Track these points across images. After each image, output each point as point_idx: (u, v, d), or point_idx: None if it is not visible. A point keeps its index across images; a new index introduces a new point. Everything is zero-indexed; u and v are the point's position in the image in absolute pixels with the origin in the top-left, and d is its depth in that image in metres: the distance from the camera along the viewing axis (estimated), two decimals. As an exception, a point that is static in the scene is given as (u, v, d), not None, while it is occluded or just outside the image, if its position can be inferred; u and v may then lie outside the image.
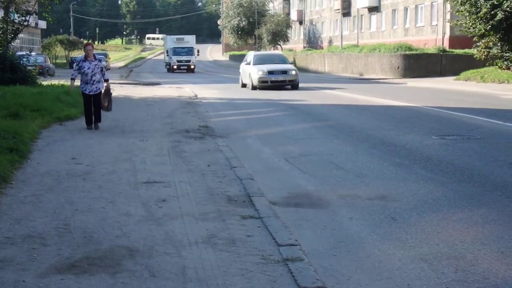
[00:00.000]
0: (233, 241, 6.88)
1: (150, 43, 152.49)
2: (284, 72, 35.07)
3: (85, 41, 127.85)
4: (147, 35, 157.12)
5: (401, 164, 11.82)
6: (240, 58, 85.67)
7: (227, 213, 8.03)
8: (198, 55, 75.76)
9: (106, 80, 17.01)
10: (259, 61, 36.51)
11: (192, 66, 71.71)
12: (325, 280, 5.78)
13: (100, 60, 16.99)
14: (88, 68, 16.36)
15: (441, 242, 7.10)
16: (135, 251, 6.50)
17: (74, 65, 17.22)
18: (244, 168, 11.13)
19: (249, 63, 36.62)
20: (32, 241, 6.84)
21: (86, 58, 16.56)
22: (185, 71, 70.59)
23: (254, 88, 34.71)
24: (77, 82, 17.19)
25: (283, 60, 37.94)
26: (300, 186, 10.15)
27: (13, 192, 9.10)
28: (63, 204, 8.45)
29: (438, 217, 8.18)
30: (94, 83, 16.43)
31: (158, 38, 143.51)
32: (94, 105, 16.55)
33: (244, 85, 37.18)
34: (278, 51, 70.16)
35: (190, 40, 76.70)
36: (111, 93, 17.30)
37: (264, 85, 34.30)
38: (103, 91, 16.74)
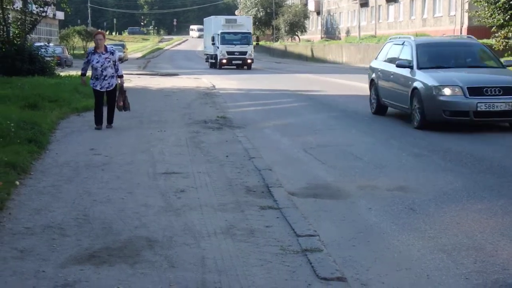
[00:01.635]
0: (252, 231, 6.88)
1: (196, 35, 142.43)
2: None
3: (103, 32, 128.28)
4: (191, 27, 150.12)
5: (420, 154, 11.78)
6: (258, 49, 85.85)
7: (245, 204, 8.03)
8: (257, 44, 60.54)
9: (120, 77, 15.02)
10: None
11: (249, 61, 51.72)
12: (344, 271, 5.77)
13: (112, 53, 14.90)
14: (97, 62, 14.51)
15: (460, 233, 7.08)
16: (154, 242, 6.51)
17: (85, 57, 15.25)
18: (262, 159, 11.12)
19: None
20: (52, 231, 6.87)
21: (96, 50, 14.68)
22: (237, 67, 51.74)
23: None
24: (89, 73, 15.36)
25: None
26: (319, 177, 10.14)
27: (32, 182, 9.14)
28: (82, 194, 8.48)
29: (457, 208, 8.16)
30: (106, 78, 14.59)
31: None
32: (108, 104, 14.97)
33: None
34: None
35: (245, 22, 56.47)
36: (125, 91, 15.27)
37: None
38: (118, 87, 15.00)
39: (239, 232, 6.86)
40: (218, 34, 51.66)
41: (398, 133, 14.40)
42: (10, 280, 5.49)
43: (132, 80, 31.88)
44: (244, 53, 51.29)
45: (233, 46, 51.09)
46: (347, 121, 16.89)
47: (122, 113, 14.87)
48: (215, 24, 54.45)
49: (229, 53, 50.91)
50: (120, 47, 69.25)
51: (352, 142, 13.32)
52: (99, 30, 15.61)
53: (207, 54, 58.57)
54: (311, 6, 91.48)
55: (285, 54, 78.82)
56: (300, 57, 74.07)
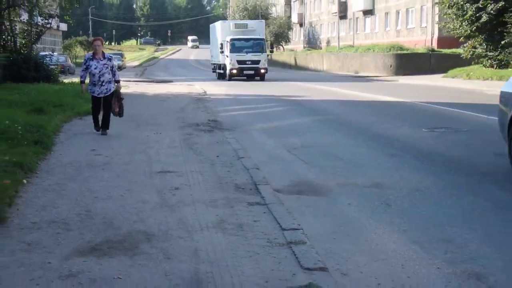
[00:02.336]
0: (241, 225, 6.87)
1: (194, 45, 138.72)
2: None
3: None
4: (188, 37, 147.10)
5: (395, 154, 11.81)
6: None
7: (235, 200, 8.02)
8: (271, 51, 50.57)
9: (117, 82, 14.29)
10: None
11: (263, 71, 42.49)
12: (326, 261, 5.77)
13: (109, 59, 14.19)
14: (95, 68, 13.77)
15: (432, 226, 7.10)
16: (151, 235, 6.50)
17: (82, 64, 14.42)
18: (250, 158, 11.11)
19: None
20: (57, 226, 6.84)
21: (94, 56, 13.93)
22: (247, 77, 42.19)
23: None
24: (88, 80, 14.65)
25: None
26: (302, 175, 10.14)
27: (38, 181, 9.11)
28: (84, 192, 8.45)
29: (429, 203, 8.18)
30: (104, 84, 13.86)
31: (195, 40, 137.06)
32: (104, 109, 14.05)
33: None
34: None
35: (257, 27, 46.11)
36: (122, 97, 14.61)
37: None
38: (114, 92, 14.26)
39: (229, 226, 6.86)
40: (227, 41, 42.21)
41: (375, 135, 14.43)
42: (18, 271, 5.47)
43: (130, 87, 31.82)
44: (257, 62, 41.94)
45: (244, 54, 41.80)
46: (328, 124, 16.91)
47: (122, 117, 14.77)
48: (223, 29, 44.74)
49: (240, 62, 41.60)
50: (119, 56, 69.07)
51: (333, 143, 13.33)
52: (97, 37, 15.27)
53: (214, 64, 48.99)
54: (294, 18, 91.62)
55: (270, 62, 78.66)
56: (284, 65, 74.17)
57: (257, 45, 42.64)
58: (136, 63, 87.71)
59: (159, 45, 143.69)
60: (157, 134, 14.18)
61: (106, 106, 14.00)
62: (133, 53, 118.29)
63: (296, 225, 6.89)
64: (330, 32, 79.10)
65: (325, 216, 7.61)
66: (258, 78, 42.21)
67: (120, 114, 14.42)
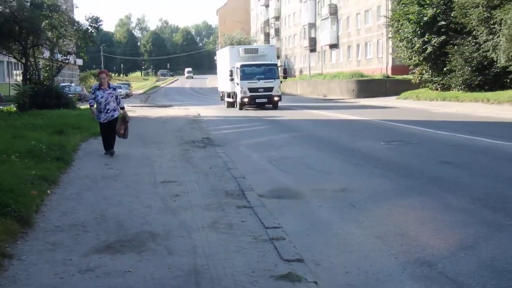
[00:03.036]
0: (231, 225, 6.87)
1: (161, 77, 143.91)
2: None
3: (112, 74, 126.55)
4: (185, 69, 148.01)
5: (358, 164, 11.84)
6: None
7: (226, 204, 8.01)
8: (285, 77, 37.88)
9: (122, 108, 13.42)
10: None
11: (276, 98, 33.28)
12: (302, 254, 5.77)
13: (114, 89, 13.41)
14: (102, 97, 13.00)
15: (390, 223, 7.13)
16: (156, 235, 6.48)
17: (91, 92, 13.56)
18: (238, 169, 11.10)
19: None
20: (76, 228, 6.81)
21: (100, 87, 13.13)
22: (258, 106, 33.68)
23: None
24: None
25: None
26: (281, 182, 10.15)
27: (60, 191, 9.06)
28: (99, 199, 8.41)
29: (387, 204, 8.21)
30: (109, 111, 13.08)
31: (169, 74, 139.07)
32: (109, 132, 13.26)
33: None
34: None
35: (268, 52, 36.88)
36: (127, 121, 13.61)
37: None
38: (119, 117, 13.35)
39: (221, 226, 6.85)
40: (237, 68, 33.36)
41: (341, 148, 14.46)
42: (44, 267, 5.44)
43: (136, 111, 31.71)
44: (270, 89, 32.88)
45: (256, 81, 32.81)
46: (302, 139, 16.94)
47: (130, 136, 14.63)
48: (232, 55, 35.31)
49: (251, 90, 32.65)
50: (126, 85, 69.03)
51: (306, 155, 13.35)
52: (103, 70, 14.42)
53: (223, 92, 39.37)
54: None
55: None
56: (265, 91, 74.12)
57: (270, 71, 33.58)
58: (141, 91, 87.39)
59: (172, 75, 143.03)
60: (160, 150, 14.13)
61: (111, 130, 13.20)
62: (138, 83, 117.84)
63: (277, 224, 6.89)
64: (302, 62, 79.32)
65: (301, 216, 7.62)
66: (271, 106, 33.27)
67: (124, 136, 13.52)
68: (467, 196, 8.41)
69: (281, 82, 35.31)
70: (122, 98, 14.78)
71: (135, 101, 49.82)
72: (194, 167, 11.49)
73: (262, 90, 32.80)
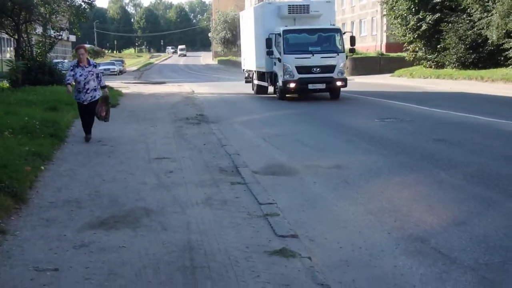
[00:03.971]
0: (225, 201, 6.87)
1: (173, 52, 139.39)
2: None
3: (106, 51, 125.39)
4: (167, 47, 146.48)
5: (352, 140, 11.85)
6: (226, 62, 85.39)
7: (220, 181, 8.01)
8: (353, 50, 23.71)
9: (104, 87, 12.10)
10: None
11: (339, 83, 21.43)
12: (296, 230, 5.79)
13: (95, 66, 12.05)
14: (81, 75, 11.67)
15: (383, 199, 7.14)
16: (150, 211, 6.47)
17: (69, 70, 12.18)
18: (232, 146, 11.09)
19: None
20: (70, 204, 6.80)
21: (79, 64, 11.79)
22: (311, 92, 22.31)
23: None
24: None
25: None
26: (275, 159, 10.15)
27: (54, 167, 9.03)
28: (93, 176, 8.39)
29: (381, 180, 8.23)
30: (88, 91, 11.72)
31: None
32: (87, 115, 11.93)
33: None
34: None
35: (324, 10, 22.85)
36: (109, 102, 12.74)
37: None
38: (100, 98, 12.06)
39: (215, 202, 6.85)
40: (278, 34, 21.67)
41: (335, 125, 14.46)
42: (39, 243, 5.43)
43: (130, 88, 31.58)
44: (330, 69, 21.36)
45: (309, 56, 21.25)
46: (296, 116, 16.89)
47: (123, 113, 14.57)
48: (266, 16, 22.93)
49: (301, 69, 21.18)
50: (120, 62, 68.63)
51: (300, 132, 13.34)
52: (81, 45, 12.66)
53: (250, 72, 26.96)
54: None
55: (232, 63, 78.08)
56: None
57: (329, 41, 21.96)
58: (134, 68, 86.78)
59: (174, 52, 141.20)
60: (154, 127, 14.09)
61: (90, 113, 11.92)
62: (132, 59, 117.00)
63: (271, 200, 6.91)
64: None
65: (295, 193, 7.63)
66: (330, 94, 22.14)
67: (106, 118, 12.32)
68: (460, 173, 8.43)
69: (346, 57, 24.31)
70: (116, 74, 14.46)
71: (129, 78, 49.49)
72: (188, 143, 11.47)
73: (318, 70, 21.10)
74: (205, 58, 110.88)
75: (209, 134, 12.83)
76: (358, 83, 34.64)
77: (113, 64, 64.51)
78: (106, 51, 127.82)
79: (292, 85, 21.07)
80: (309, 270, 4.65)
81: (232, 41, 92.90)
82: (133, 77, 54.68)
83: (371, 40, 55.60)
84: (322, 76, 21.08)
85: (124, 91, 27.69)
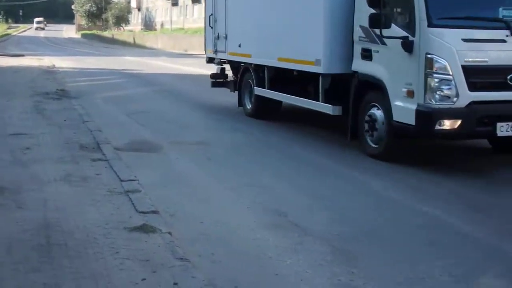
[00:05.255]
0: (85, 178, 6.70)
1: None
2: None
3: None
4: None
5: (216, 118, 11.98)
6: (90, 37, 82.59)
7: (80, 157, 7.77)
8: None
9: None
10: None
11: None
12: (157, 206, 5.77)
13: None
14: None
15: (244, 175, 7.33)
16: (5, 189, 6.16)
17: None
18: (94, 122, 10.77)
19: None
20: None
21: None
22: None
23: None
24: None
25: None
26: (139, 135, 10.03)
27: None
28: None
29: (242, 157, 8.43)
30: None
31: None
32: None
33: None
34: None
35: None
36: None
37: None
38: None
39: (74, 179, 6.66)
40: None
41: (201, 102, 14.50)
42: None
43: (-15, 60, 29.68)
44: None
45: (503, 37, 7.00)
46: (162, 93, 16.74)
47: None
48: None
49: (482, 75, 7.08)
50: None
51: (165, 109, 13.26)
52: None
53: (246, 66, 11.77)
54: (133, 4, 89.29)
55: (112, 41, 76.10)
56: (124, 43, 71.96)
57: None
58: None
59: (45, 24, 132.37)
60: (10, 101, 13.37)
61: None
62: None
63: (133, 177, 6.82)
64: (164, 16, 77.88)
65: (158, 169, 7.60)
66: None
67: None
68: (315, 152, 8.81)
69: None
70: None
71: (-17, 49, 46.45)
72: (47, 119, 11.01)
73: None
74: (68, 31, 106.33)
75: (70, 109, 12.39)
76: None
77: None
78: None
79: (450, 124, 7.07)
80: (169, 245, 4.67)
81: (97, 14, 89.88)
82: (-12, 49, 51.38)
83: (238, 19, 56.11)
84: None
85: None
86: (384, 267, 4.50)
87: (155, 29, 78.50)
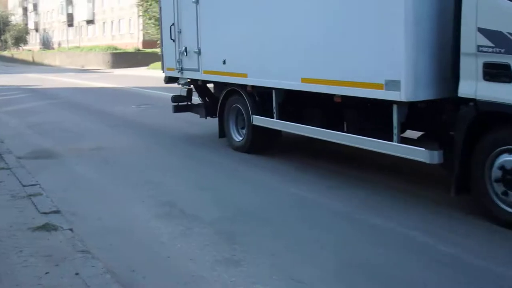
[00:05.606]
0: (-12, 186, 6.29)
1: None
2: None
3: None
4: None
5: (111, 125, 11.66)
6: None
7: (-17, 168, 7.29)
8: None
9: None
10: None
11: None
12: (59, 207, 5.50)
13: None
14: None
15: (139, 173, 7.17)
16: None
17: None
18: (-4, 135, 10.15)
19: None
20: None
21: None
22: None
23: None
24: None
25: None
26: (40, 145, 9.53)
27: None
28: None
29: (137, 157, 8.27)
30: None
31: None
32: None
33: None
34: None
35: None
36: None
37: None
38: None
39: (-23, 188, 6.23)
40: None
41: (97, 112, 14.04)
42: None
43: None
44: None
45: None
46: (60, 106, 16.05)
47: None
48: None
49: None
50: None
51: (64, 120, 12.71)
52: None
53: (223, 87, 8.43)
54: (31, 25, 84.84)
55: (12, 60, 71.66)
56: (24, 62, 68.11)
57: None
58: None
59: None
60: None
61: None
62: None
63: (35, 182, 6.48)
64: (61, 36, 74.67)
65: (58, 174, 7.28)
66: None
67: None
68: (201, 146, 8.82)
69: None
70: None
71: None
72: (-51, 134, 10.22)
73: None
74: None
75: (-28, 124, 11.58)
76: (119, 75, 34.12)
77: None
78: None
79: None
80: (70, 240, 4.50)
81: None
82: None
83: (130, 37, 55.14)
84: None
85: None
86: (261, 242, 4.59)
87: (53, 48, 75.07)
